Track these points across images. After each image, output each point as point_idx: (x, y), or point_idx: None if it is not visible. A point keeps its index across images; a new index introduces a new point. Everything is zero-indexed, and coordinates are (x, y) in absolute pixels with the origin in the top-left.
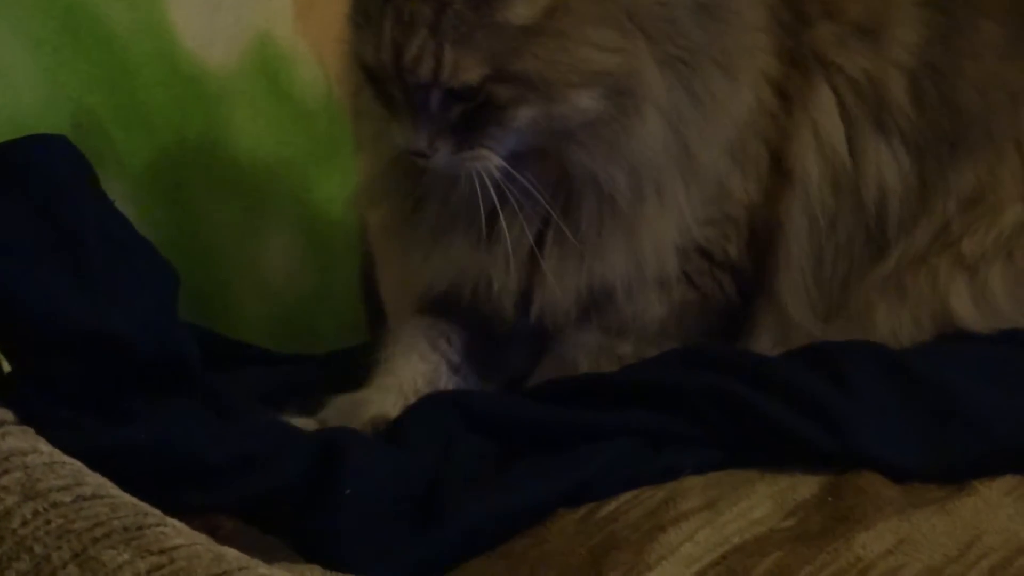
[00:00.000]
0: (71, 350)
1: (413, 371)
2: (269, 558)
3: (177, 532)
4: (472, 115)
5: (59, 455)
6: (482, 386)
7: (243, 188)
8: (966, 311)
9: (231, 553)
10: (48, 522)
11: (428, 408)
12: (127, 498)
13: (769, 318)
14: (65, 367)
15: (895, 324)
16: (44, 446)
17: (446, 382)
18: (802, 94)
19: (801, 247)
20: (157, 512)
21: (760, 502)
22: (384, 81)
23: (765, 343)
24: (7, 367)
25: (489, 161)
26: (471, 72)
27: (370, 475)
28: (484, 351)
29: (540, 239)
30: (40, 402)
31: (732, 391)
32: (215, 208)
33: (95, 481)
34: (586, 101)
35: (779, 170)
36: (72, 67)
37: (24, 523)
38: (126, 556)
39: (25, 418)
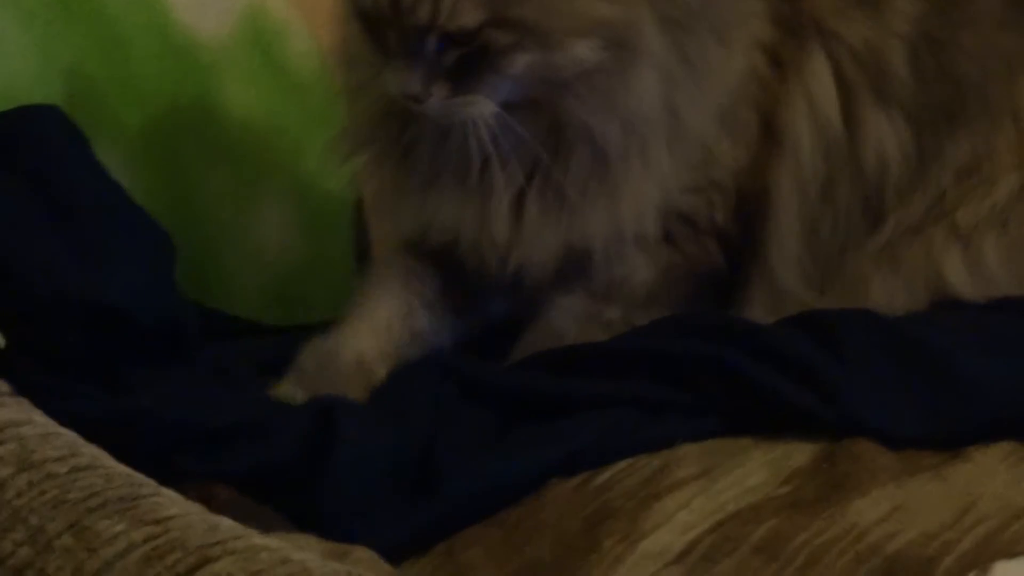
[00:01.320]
0: (68, 321)
1: (387, 309)
2: (264, 528)
3: (172, 502)
4: (468, 61)
5: (54, 426)
6: (457, 324)
7: (236, 159)
8: (960, 281)
9: (226, 523)
10: (43, 493)
11: (421, 375)
12: (122, 468)
13: (761, 287)
14: (62, 338)
15: (889, 294)
16: (39, 417)
17: (420, 320)
18: (796, 61)
19: (791, 216)
20: (152, 482)
21: (755, 470)
22: (380, 24)
23: (758, 312)
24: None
25: (483, 107)
26: (469, 16)
27: (363, 444)
28: (459, 295)
29: (527, 189)
30: (37, 373)
31: (727, 359)
32: (208, 179)
33: (90, 452)
34: (584, 51)
35: (770, 137)
36: (64, 39)
37: (19, 494)
38: (121, 526)
39: (22, 389)
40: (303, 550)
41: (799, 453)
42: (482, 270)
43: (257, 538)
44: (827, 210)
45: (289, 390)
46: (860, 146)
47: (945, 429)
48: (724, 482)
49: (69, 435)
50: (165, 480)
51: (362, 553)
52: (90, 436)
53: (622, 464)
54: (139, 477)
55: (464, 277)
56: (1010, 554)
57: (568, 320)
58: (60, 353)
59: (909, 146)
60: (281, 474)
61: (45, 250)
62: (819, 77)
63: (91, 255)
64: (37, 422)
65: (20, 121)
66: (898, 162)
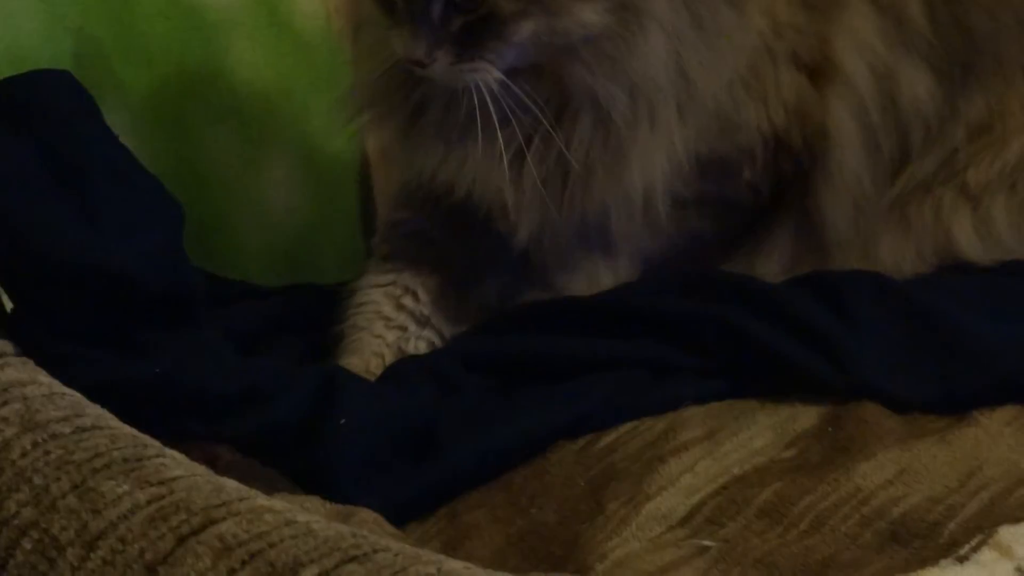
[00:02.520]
0: (78, 286)
1: (379, 345)
2: (268, 489)
3: (177, 463)
4: (473, 27)
5: (58, 386)
6: (454, 330)
7: (242, 119)
8: (969, 242)
9: (230, 484)
10: (47, 453)
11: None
12: (126, 429)
13: (791, 235)
14: (72, 303)
15: (898, 254)
16: (43, 377)
17: (415, 343)
18: (837, 2)
19: (855, 150)
20: (156, 443)
21: (760, 432)
22: None
23: (775, 265)
24: (8, 304)
25: (488, 74)
26: None
27: (366, 409)
28: (457, 286)
29: (534, 156)
30: (46, 338)
31: (733, 320)
32: (214, 139)
33: (94, 412)
34: (589, 15)
35: (819, 80)
36: None
37: (23, 454)
38: (125, 487)
39: (29, 353)
40: (308, 512)
41: (804, 416)
42: (500, 234)
43: (262, 499)
44: (879, 151)
45: None
46: (898, 86)
47: (951, 393)
48: (729, 445)
49: (74, 395)
50: (168, 442)
51: (366, 515)
52: (96, 400)
53: (627, 426)
54: (144, 438)
55: (462, 261)
56: (1015, 519)
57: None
58: (69, 318)
59: (936, 94)
60: (285, 437)
61: (55, 216)
62: (859, 12)
63: (101, 221)
64: (41, 382)
65: (30, 86)
66: (930, 109)
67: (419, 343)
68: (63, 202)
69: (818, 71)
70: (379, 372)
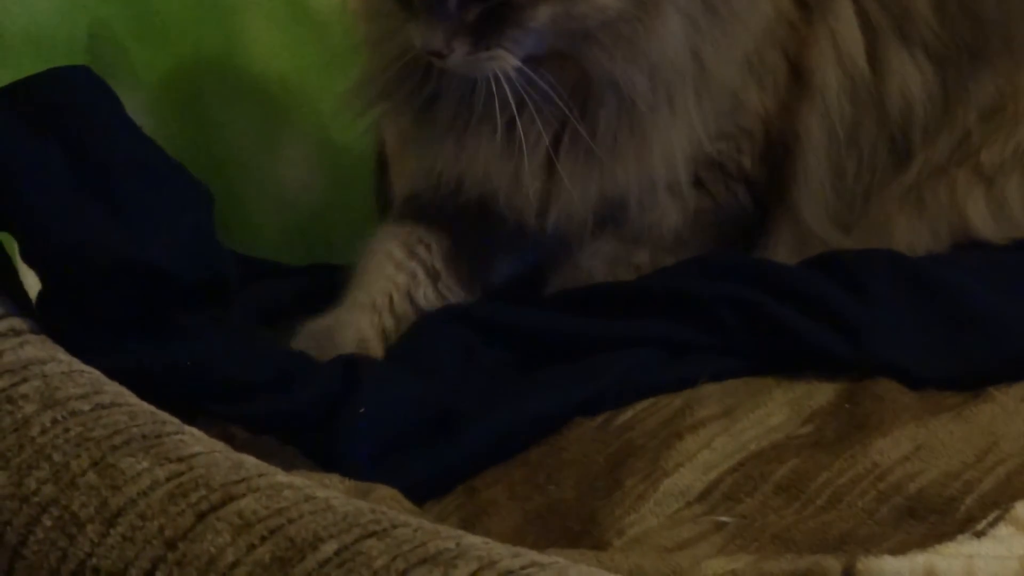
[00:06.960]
0: (110, 282)
1: (387, 284)
2: (286, 466)
3: (196, 440)
4: (490, 15)
5: (78, 364)
6: (464, 294)
7: (258, 99)
8: (983, 222)
9: (250, 460)
10: (67, 430)
11: (445, 323)
12: (145, 406)
13: (786, 229)
14: (103, 297)
15: (913, 236)
16: (63, 355)
17: (424, 292)
18: (822, 4)
19: (819, 158)
20: (175, 420)
21: (777, 409)
22: None
23: (782, 254)
24: (27, 282)
25: (506, 62)
26: None
27: (387, 391)
28: (469, 257)
29: (556, 144)
30: (73, 325)
31: (750, 299)
32: (230, 119)
33: (113, 389)
34: None
35: (797, 80)
36: None
37: (43, 431)
38: (145, 464)
39: (56, 340)
40: (326, 488)
41: (820, 393)
42: (518, 223)
43: (281, 476)
44: (853, 152)
45: None
46: (885, 87)
47: (967, 369)
48: (746, 422)
49: (92, 373)
50: (185, 420)
51: (385, 491)
52: (128, 387)
53: (644, 403)
54: (163, 415)
55: (474, 240)
56: None
57: (597, 262)
58: (100, 310)
59: (934, 86)
60: (305, 422)
61: (85, 215)
62: (844, 19)
63: (131, 217)
64: (61, 359)
65: (51, 84)
66: (923, 102)
67: (428, 293)
68: (92, 200)
69: (796, 73)
70: (384, 309)
